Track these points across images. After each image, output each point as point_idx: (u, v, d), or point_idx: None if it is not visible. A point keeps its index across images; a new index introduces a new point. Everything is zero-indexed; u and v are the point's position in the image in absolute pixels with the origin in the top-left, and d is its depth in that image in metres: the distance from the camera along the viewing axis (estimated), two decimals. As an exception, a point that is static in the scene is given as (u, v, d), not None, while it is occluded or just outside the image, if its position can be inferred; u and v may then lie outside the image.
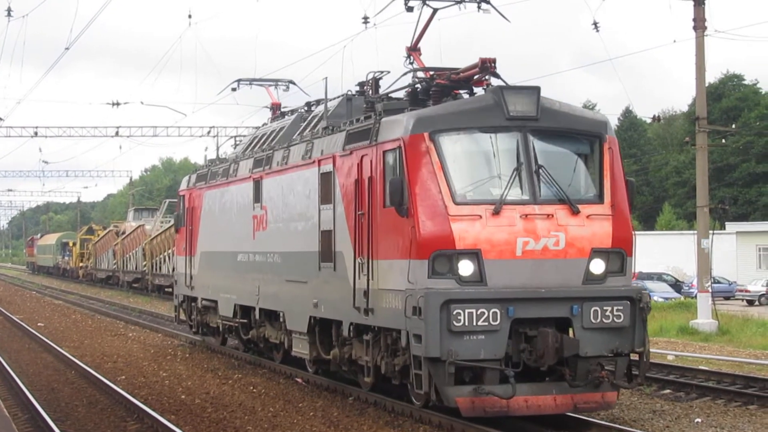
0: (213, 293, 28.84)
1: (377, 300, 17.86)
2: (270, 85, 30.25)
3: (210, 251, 29.12)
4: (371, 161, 18.19)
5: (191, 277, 30.74)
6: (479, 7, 20.13)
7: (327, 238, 20.19)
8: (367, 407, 20.23)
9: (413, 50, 20.59)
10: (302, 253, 21.59)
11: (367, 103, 20.33)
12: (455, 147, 17.06)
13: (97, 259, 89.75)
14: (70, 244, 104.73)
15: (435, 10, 19.94)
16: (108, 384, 23.25)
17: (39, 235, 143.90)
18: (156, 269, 66.33)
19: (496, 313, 16.17)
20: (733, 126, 69.10)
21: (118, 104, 64.70)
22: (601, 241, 17.02)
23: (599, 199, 17.37)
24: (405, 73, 20.32)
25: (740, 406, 20.60)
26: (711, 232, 39.95)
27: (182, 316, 32.71)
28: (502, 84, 18.04)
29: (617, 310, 16.75)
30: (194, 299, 30.86)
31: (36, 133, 74.24)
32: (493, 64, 18.30)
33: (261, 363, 26.94)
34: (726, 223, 76.63)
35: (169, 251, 64.56)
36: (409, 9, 20.00)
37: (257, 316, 25.23)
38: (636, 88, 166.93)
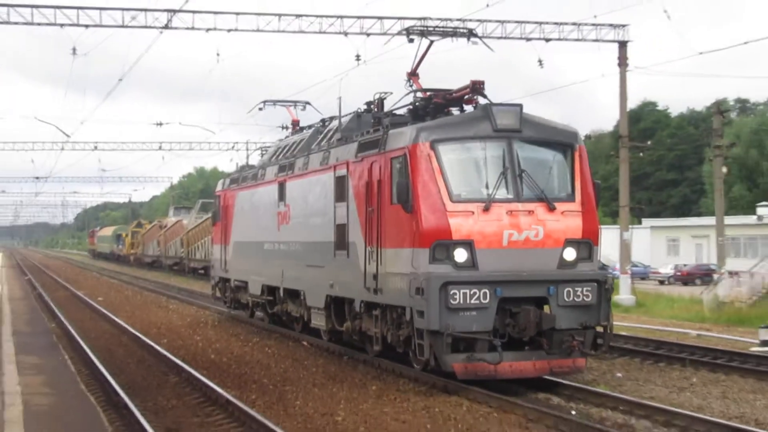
0: (244, 275, 28.70)
1: (385, 282, 17.74)
2: (290, 105, 30.09)
3: (241, 241, 28.88)
4: (380, 166, 18.02)
5: (226, 262, 30.59)
6: (468, 39, 20.22)
7: (341, 230, 19.98)
8: (358, 364, 20.31)
9: (413, 75, 20.18)
10: (320, 243, 21.32)
11: (375, 119, 20.07)
12: (451, 154, 16.87)
13: (145, 247, 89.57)
14: (123, 235, 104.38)
15: (432, 42, 19.75)
16: (153, 346, 23.28)
17: (98, 228, 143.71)
18: (192, 255, 66.58)
19: (486, 293, 16.11)
20: (649, 142, 69.32)
21: (161, 124, 64.75)
22: (573, 233, 16.95)
23: (571, 197, 17.23)
24: (407, 93, 19.93)
25: (652, 364, 20.67)
26: (630, 227, 40.38)
27: (217, 294, 32.55)
28: (488, 102, 17.82)
29: (586, 291, 16.71)
30: (228, 280, 30.73)
31: (96, 147, 74.11)
32: (482, 86, 18.18)
33: (275, 330, 26.97)
34: (642, 219, 77.51)
35: (202, 241, 64.60)
36: (411, 41, 19.85)
37: (281, 295, 25.10)
38: (572, 113, 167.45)
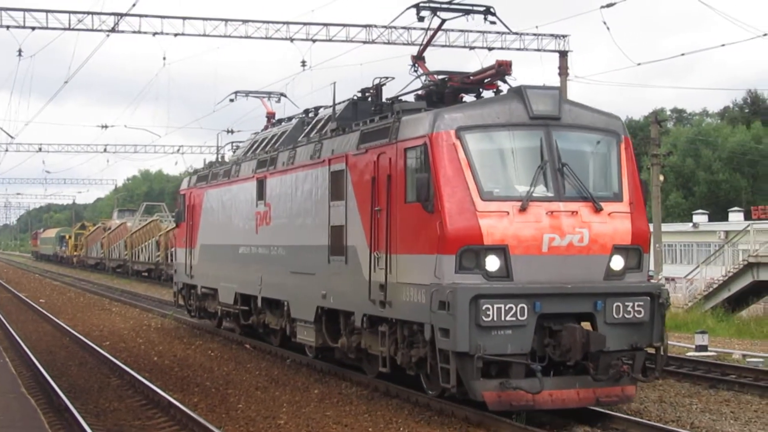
0: (213, 282, 25.64)
1: (396, 293, 14.84)
2: (264, 97, 28.06)
3: (210, 244, 25.91)
4: (390, 159, 15.23)
5: (191, 267, 27.44)
6: (485, 19, 17.03)
7: (337, 232, 17.16)
8: (300, 368, 20.21)
9: (419, 59, 17.64)
10: (310, 247, 18.52)
11: (376, 106, 17.90)
12: (481, 144, 14.09)
13: (88, 249, 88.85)
14: (67, 237, 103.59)
15: (443, 21, 16.93)
16: (95, 348, 23.01)
17: (42, 230, 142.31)
18: (135, 258, 66.79)
19: (523, 308, 13.27)
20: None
21: (106, 126, 64.54)
22: (622, 238, 14.21)
23: (619, 197, 14.51)
24: (419, 76, 17.60)
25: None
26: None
27: (180, 302, 29.67)
28: (518, 86, 14.90)
29: (638, 306, 13.95)
30: (193, 287, 27.56)
31: (40, 149, 74.17)
32: (509, 67, 15.67)
33: (218, 332, 26.80)
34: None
35: (146, 243, 64.37)
36: (420, 19, 16.78)
37: (259, 304, 21.99)
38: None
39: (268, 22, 36.77)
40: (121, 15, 34.59)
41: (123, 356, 21.72)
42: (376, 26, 36.92)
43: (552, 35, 39.27)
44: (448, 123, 14.05)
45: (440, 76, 16.91)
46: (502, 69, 15.64)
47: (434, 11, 16.57)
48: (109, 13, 35.20)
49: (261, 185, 21.52)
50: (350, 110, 18.93)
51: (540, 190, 13.94)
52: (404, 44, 37.08)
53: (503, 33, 38.95)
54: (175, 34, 36.18)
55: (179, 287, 29.35)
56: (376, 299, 15.39)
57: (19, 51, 36.65)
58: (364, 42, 36.65)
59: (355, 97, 19.36)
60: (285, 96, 27.85)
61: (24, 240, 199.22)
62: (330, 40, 36.58)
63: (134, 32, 35.88)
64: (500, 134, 14.24)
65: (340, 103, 19.35)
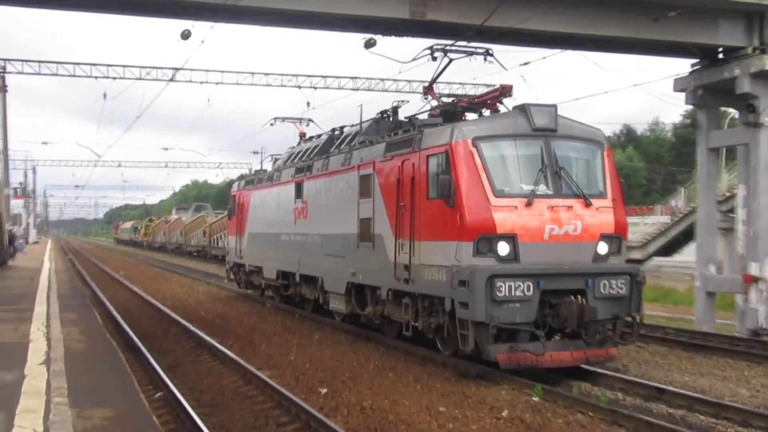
0: (258, 262, 24.40)
1: (418, 272, 13.70)
2: (296, 122, 26.71)
3: (256, 232, 24.60)
4: (413, 164, 14.06)
5: (240, 250, 26.20)
6: (485, 59, 15.70)
7: (365, 224, 15.96)
8: (305, 320, 20.19)
9: (429, 88, 16.31)
10: (341, 235, 17.26)
11: (396, 123, 16.89)
12: (493, 151, 12.97)
13: (154, 236, 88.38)
14: (139, 228, 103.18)
15: (451, 60, 15.61)
16: (159, 306, 22.89)
17: (121, 222, 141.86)
18: (188, 242, 66.46)
19: (529, 285, 12.26)
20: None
21: (167, 149, 64.83)
22: (607, 228, 13.15)
23: (603, 194, 13.41)
24: (429, 102, 16.32)
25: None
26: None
27: (231, 277, 27.87)
28: (522, 104, 13.68)
29: (620, 283, 12.93)
30: (242, 265, 26.24)
31: (119, 165, 74.59)
32: (510, 90, 14.64)
33: (246, 294, 26.70)
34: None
35: (196, 232, 64.04)
36: (434, 58, 15.50)
37: (297, 280, 20.68)
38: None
39: (283, 74, 36.82)
40: (177, 69, 34.53)
41: (179, 312, 21.60)
42: (359, 78, 36.96)
43: (486, 85, 39.27)
44: (466, 134, 13.00)
45: (451, 99, 15.87)
46: (505, 91, 14.68)
47: (445, 52, 15.41)
48: (168, 67, 35.24)
49: (299, 187, 20.43)
50: (373, 127, 18.03)
51: (542, 189, 12.91)
52: (379, 90, 37.20)
53: (450, 83, 38.92)
54: (216, 83, 36.19)
55: (230, 265, 27.97)
56: (401, 277, 14.32)
57: (104, 94, 37.57)
58: (352, 89, 36.73)
59: (377, 117, 18.34)
60: (312, 121, 26.70)
61: (108, 230, 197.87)
62: (327, 88, 36.71)
63: (187, 81, 35.80)
64: (508, 143, 13.15)
65: (366, 122, 18.43)
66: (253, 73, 36.81)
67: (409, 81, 37.47)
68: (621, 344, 13.39)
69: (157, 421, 9.38)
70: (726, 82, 19.51)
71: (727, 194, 28.09)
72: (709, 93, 20.38)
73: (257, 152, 29.98)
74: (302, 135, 25.70)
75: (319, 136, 22.44)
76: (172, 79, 35.17)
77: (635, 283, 13.08)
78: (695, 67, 20.44)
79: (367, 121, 18.46)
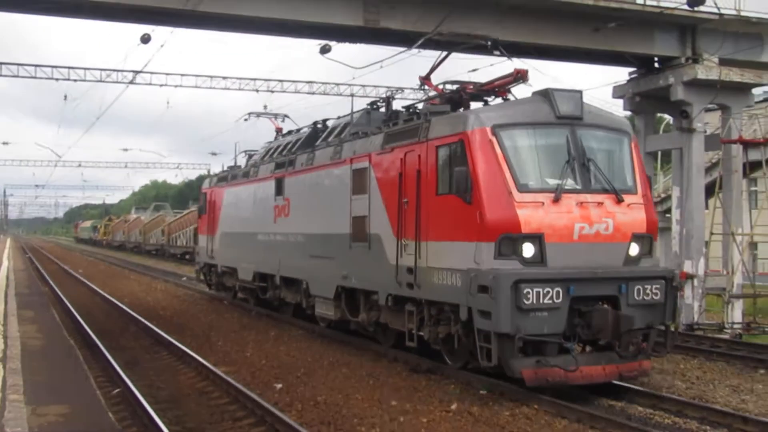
0: (232, 262, 22.16)
1: (425, 276, 11.71)
2: (272, 117, 24.91)
3: (231, 232, 22.43)
4: (419, 156, 12.03)
5: (212, 250, 24.03)
6: (491, 51, 14.20)
7: (360, 222, 13.96)
8: (262, 317, 19.96)
9: (426, 79, 14.27)
10: (330, 235, 15.24)
11: (390, 114, 14.99)
12: (514, 140, 11.00)
13: (114, 234, 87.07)
14: (99, 227, 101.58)
15: (450, 52, 14.04)
16: (118, 304, 22.42)
17: (81, 221, 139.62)
18: (147, 241, 65.51)
19: (558, 291, 10.33)
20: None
21: (126, 149, 63.96)
22: (639, 226, 11.26)
23: (633, 189, 11.49)
24: (426, 92, 14.43)
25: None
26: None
27: (201, 278, 26.01)
28: (544, 89, 11.68)
29: (655, 288, 11.07)
30: (214, 266, 24.13)
31: (80, 165, 73.31)
32: (526, 75, 12.58)
33: (204, 292, 26.34)
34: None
35: (154, 231, 63.20)
36: (437, 47, 13.96)
37: (277, 282, 18.57)
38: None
39: (241, 78, 36.54)
40: (137, 72, 33.99)
41: (137, 310, 21.20)
42: (315, 82, 36.84)
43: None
44: (484, 121, 11.05)
45: (454, 86, 13.72)
46: (520, 76, 12.61)
47: (450, 44, 13.89)
48: (129, 70, 34.65)
49: (280, 183, 18.34)
50: (364, 118, 16.09)
51: (569, 183, 10.97)
52: (334, 95, 37.08)
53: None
54: (176, 86, 35.76)
55: (201, 266, 25.85)
56: (403, 281, 12.33)
57: (65, 96, 37.53)
58: (308, 93, 36.59)
59: (368, 108, 16.44)
60: (288, 117, 24.97)
61: (68, 229, 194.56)
62: (284, 92, 36.53)
63: (147, 84, 35.33)
64: (531, 132, 11.20)
65: (357, 112, 16.55)
66: (212, 77, 36.37)
67: (363, 86, 37.44)
68: (656, 356, 11.59)
69: (113, 417, 9.13)
70: (661, 90, 19.87)
71: (663, 195, 28.56)
72: (645, 100, 20.78)
73: (215, 153, 29.52)
74: (278, 130, 24.10)
75: (298, 129, 20.66)
76: (132, 82, 34.61)
77: (670, 288, 11.29)
78: (632, 76, 20.78)
79: (358, 111, 16.65)
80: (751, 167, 22.34)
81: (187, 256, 48.06)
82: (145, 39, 18.70)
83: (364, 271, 13.91)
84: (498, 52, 14.54)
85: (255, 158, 22.94)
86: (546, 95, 11.43)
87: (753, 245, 25.38)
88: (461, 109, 12.75)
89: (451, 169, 11.15)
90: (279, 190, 18.46)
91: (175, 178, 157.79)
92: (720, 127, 20.74)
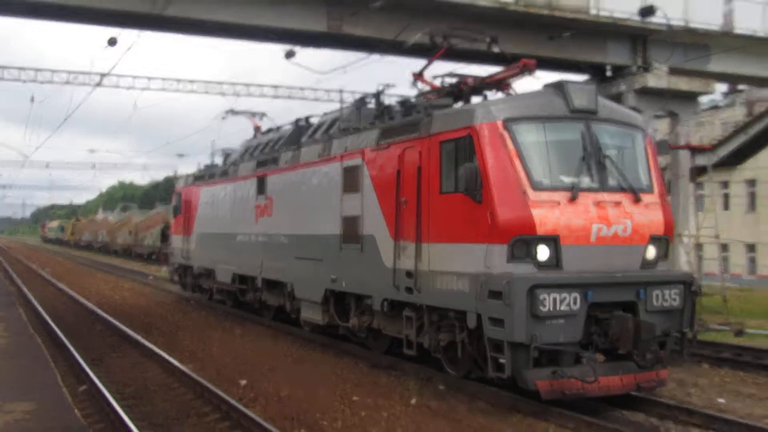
0: (209, 264, 20.91)
1: (427, 280, 10.66)
2: (250, 115, 24.07)
3: (208, 232, 21.07)
4: (420, 152, 10.97)
5: (187, 251, 22.79)
6: (489, 46, 13.53)
7: (351, 222, 12.86)
8: (228, 315, 19.89)
9: (419, 75, 13.02)
10: (318, 236, 14.17)
11: (383, 109, 13.89)
12: (528, 135, 9.98)
13: (81, 234, 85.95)
14: (66, 226, 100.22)
15: (449, 46, 13.04)
16: (85, 303, 22.16)
17: (48, 221, 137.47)
18: (114, 241, 64.69)
19: (576, 297, 9.34)
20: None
21: (93, 150, 63.28)
22: (657, 228, 10.35)
23: (650, 188, 10.58)
24: (419, 88, 13.10)
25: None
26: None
27: (176, 279, 25.05)
28: (557, 81, 10.68)
29: (674, 294, 10.15)
30: (189, 267, 22.99)
31: (47, 165, 72.53)
32: (533, 66, 11.48)
33: (170, 290, 26.14)
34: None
35: (122, 231, 62.42)
36: (433, 44, 12.88)
37: (258, 285, 17.43)
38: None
39: (208, 82, 36.35)
40: (104, 74, 33.61)
41: (104, 308, 20.98)
42: (280, 86, 36.79)
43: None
44: (495, 114, 10.03)
45: (454, 79, 12.61)
46: (526, 68, 11.50)
47: (446, 38, 12.89)
48: (96, 72, 34.36)
49: (262, 182, 17.11)
50: (354, 114, 14.77)
51: (586, 181, 10.05)
52: (299, 99, 37.10)
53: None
54: (142, 89, 35.44)
55: (175, 267, 24.69)
56: (401, 285, 11.29)
57: (32, 98, 37.16)
58: (273, 96, 36.53)
59: (357, 103, 15.16)
60: (266, 115, 24.23)
61: (35, 229, 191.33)
62: (249, 95, 36.39)
63: (114, 87, 34.92)
64: (544, 126, 10.16)
65: (346, 107, 15.50)
66: (178, 80, 36.12)
67: (327, 90, 37.45)
68: (673, 365, 10.89)
69: (79, 413, 9.08)
70: (613, 97, 20.18)
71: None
72: (599, 107, 21.07)
73: (182, 155, 29.22)
74: (257, 128, 23.21)
75: (279, 128, 19.47)
76: (99, 84, 34.17)
77: (689, 293, 10.35)
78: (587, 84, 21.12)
79: (347, 106, 15.53)
80: (698, 172, 22.85)
81: (154, 256, 47.60)
82: (112, 42, 18.57)
83: (355, 274, 12.80)
84: (452, 60, 14.32)
85: (234, 157, 21.67)
86: (559, 87, 10.47)
87: (699, 246, 25.91)
88: (461, 103, 11.92)
89: (458, 165, 10.13)
90: (261, 189, 17.24)
91: (142, 179, 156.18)
92: (669, 133, 21.18)
